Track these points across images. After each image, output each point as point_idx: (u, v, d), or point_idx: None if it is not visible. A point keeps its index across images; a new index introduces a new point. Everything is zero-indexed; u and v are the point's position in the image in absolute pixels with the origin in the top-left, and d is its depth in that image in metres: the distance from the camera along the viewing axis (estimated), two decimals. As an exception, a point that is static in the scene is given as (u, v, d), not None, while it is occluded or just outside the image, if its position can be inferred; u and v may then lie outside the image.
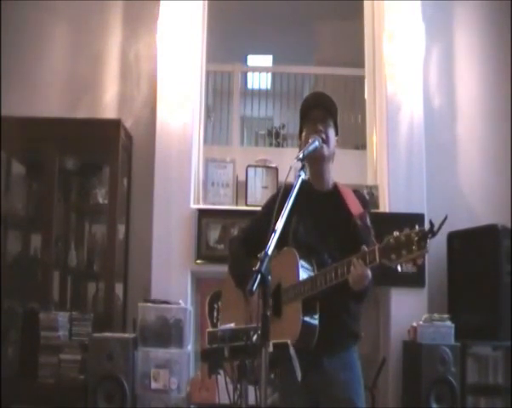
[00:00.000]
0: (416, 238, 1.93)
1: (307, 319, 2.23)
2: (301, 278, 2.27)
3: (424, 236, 1.91)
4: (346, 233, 2.30)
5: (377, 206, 4.16)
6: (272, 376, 2.21)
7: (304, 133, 2.43)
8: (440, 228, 1.90)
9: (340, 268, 2.16)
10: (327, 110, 2.42)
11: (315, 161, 2.39)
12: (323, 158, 2.39)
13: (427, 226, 1.92)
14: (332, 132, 2.40)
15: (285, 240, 2.32)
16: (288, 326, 2.25)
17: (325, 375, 2.32)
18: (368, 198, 2.46)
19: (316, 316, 2.25)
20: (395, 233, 2.00)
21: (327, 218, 2.39)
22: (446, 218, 1.89)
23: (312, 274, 2.29)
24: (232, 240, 2.85)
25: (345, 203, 2.36)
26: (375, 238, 2.28)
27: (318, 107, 2.42)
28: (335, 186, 2.47)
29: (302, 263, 2.30)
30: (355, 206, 2.34)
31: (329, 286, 2.19)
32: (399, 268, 2.02)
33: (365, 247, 2.12)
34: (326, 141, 2.36)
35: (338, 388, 2.32)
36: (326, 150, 2.37)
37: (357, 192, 2.49)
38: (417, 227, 1.96)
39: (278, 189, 2.48)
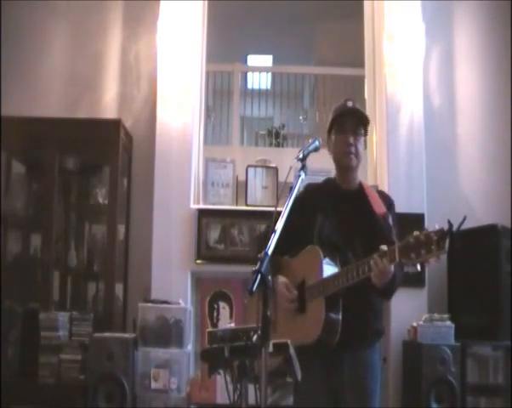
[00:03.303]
0: (435, 238, 1.97)
1: (330, 314, 2.29)
2: (325, 275, 2.33)
3: (443, 236, 1.95)
4: (370, 232, 2.36)
5: (377, 206, 4.17)
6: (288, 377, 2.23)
7: (333, 137, 2.52)
8: (459, 227, 1.94)
9: (361, 266, 2.22)
10: (359, 120, 2.50)
11: (343, 168, 2.52)
12: (351, 168, 2.52)
13: (446, 226, 1.95)
14: (361, 142, 2.51)
15: (309, 239, 2.43)
16: (312, 322, 2.32)
17: (346, 373, 2.39)
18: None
19: (339, 313, 2.31)
20: (416, 232, 2.04)
21: (351, 217, 2.46)
22: (465, 218, 1.95)
23: (335, 271, 2.34)
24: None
25: (369, 203, 2.44)
26: (396, 237, 2.32)
27: (350, 116, 2.50)
28: (360, 186, 2.55)
29: (326, 260, 2.36)
30: (378, 206, 2.42)
31: (351, 283, 2.24)
32: (418, 267, 2.06)
33: (384, 247, 2.16)
34: (355, 153, 2.48)
35: (358, 387, 2.39)
36: (354, 161, 2.50)
37: (382, 192, 2.60)
38: (436, 226, 1.99)
39: (305, 188, 2.62)
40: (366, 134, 2.54)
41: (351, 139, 2.47)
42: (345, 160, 2.49)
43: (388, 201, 2.54)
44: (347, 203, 2.50)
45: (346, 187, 2.55)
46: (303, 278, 2.41)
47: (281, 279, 2.45)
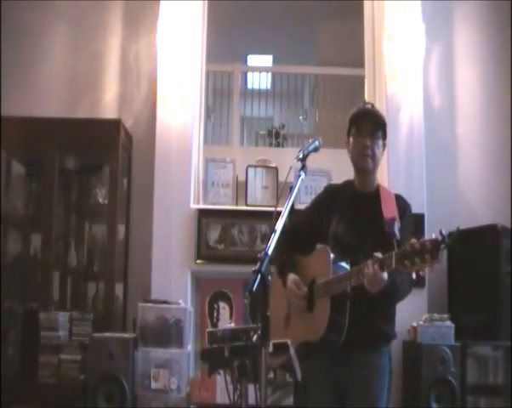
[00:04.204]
0: (429, 246, 1.96)
1: (335, 314, 2.30)
2: (333, 276, 2.35)
3: (438, 245, 1.94)
4: (381, 235, 2.36)
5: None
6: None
7: (351, 140, 2.53)
8: (454, 238, 1.94)
9: (362, 270, 2.22)
10: (376, 123, 2.51)
11: (360, 171, 2.53)
12: (368, 171, 2.52)
13: (440, 236, 1.94)
14: (378, 145, 2.50)
15: (326, 239, 2.47)
16: (317, 321, 2.34)
17: (352, 373, 2.40)
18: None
19: (345, 314, 2.31)
20: (413, 240, 2.04)
21: (364, 219, 2.47)
22: (458, 229, 1.97)
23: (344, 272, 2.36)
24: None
25: (380, 207, 2.44)
26: (400, 243, 2.30)
27: (367, 118, 2.51)
28: (377, 188, 2.55)
29: (336, 261, 2.37)
30: (388, 211, 2.41)
31: (354, 285, 2.25)
32: (413, 275, 2.07)
33: (378, 254, 2.16)
34: (372, 156, 2.48)
35: (363, 388, 2.39)
36: (370, 164, 2.50)
37: (399, 197, 2.56)
38: (433, 235, 1.98)
39: (325, 189, 2.69)
40: (384, 138, 2.53)
41: (368, 142, 2.47)
42: (362, 162, 2.50)
43: (402, 206, 2.52)
44: (361, 205, 2.51)
45: (363, 189, 2.55)
46: (314, 277, 2.43)
47: (292, 276, 2.49)
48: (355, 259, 2.35)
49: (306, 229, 2.58)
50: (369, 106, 2.57)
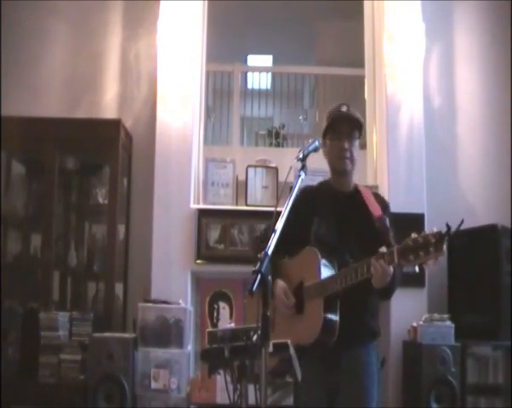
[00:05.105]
0: (433, 240, 1.99)
1: (328, 316, 2.31)
2: (322, 276, 2.35)
3: (442, 238, 1.97)
4: (367, 233, 2.37)
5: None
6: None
7: (328, 142, 2.54)
8: (457, 229, 1.97)
9: (360, 268, 2.24)
10: (353, 125, 2.52)
11: (339, 173, 2.55)
12: (347, 173, 2.55)
13: (444, 229, 1.97)
14: (356, 146, 2.53)
15: (307, 241, 2.45)
16: (310, 323, 2.34)
17: (342, 372, 2.41)
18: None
19: (337, 313, 2.33)
20: (414, 234, 2.06)
21: (348, 218, 2.48)
22: (462, 222, 1.98)
23: (333, 272, 2.36)
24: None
25: (366, 205, 2.46)
26: (393, 239, 2.35)
27: (344, 121, 2.51)
28: (356, 188, 2.57)
29: (323, 261, 2.37)
30: (374, 208, 2.44)
31: (349, 284, 2.26)
32: (416, 268, 2.10)
33: (384, 249, 2.19)
34: (350, 158, 2.51)
35: (354, 386, 2.41)
36: (349, 166, 2.53)
37: (377, 195, 2.60)
38: (434, 229, 2.01)
39: (302, 190, 2.60)
40: (360, 137, 2.56)
41: (346, 144, 2.49)
42: (341, 164, 2.52)
43: (383, 203, 2.55)
44: (343, 206, 2.52)
45: (342, 190, 2.58)
46: (301, 279, 2.43)
47: (280, 283, 2.46)
48: (340, 259, 2.36)
49: (285, 233, 2.43)
50: (345, 108, 2.56)
